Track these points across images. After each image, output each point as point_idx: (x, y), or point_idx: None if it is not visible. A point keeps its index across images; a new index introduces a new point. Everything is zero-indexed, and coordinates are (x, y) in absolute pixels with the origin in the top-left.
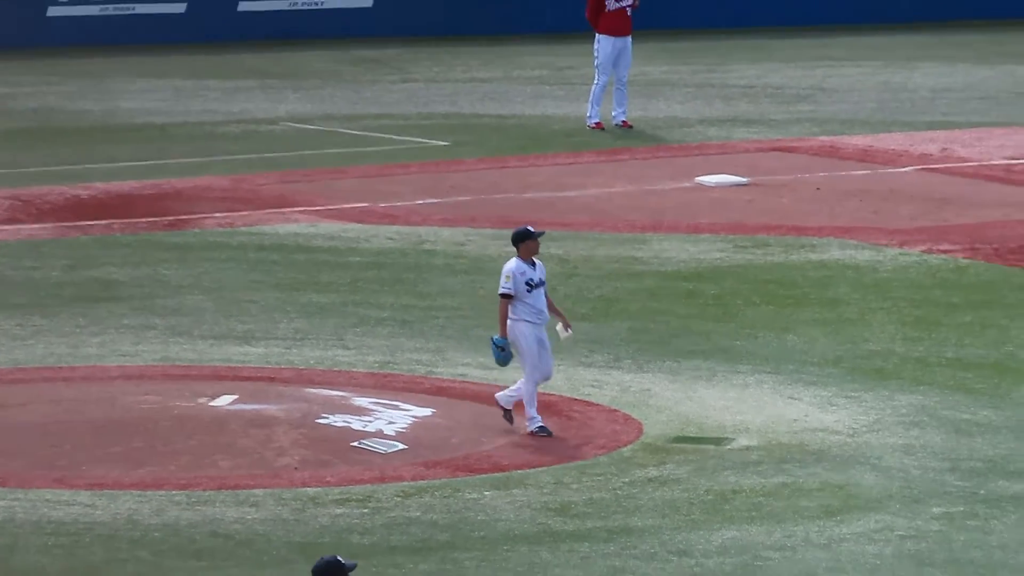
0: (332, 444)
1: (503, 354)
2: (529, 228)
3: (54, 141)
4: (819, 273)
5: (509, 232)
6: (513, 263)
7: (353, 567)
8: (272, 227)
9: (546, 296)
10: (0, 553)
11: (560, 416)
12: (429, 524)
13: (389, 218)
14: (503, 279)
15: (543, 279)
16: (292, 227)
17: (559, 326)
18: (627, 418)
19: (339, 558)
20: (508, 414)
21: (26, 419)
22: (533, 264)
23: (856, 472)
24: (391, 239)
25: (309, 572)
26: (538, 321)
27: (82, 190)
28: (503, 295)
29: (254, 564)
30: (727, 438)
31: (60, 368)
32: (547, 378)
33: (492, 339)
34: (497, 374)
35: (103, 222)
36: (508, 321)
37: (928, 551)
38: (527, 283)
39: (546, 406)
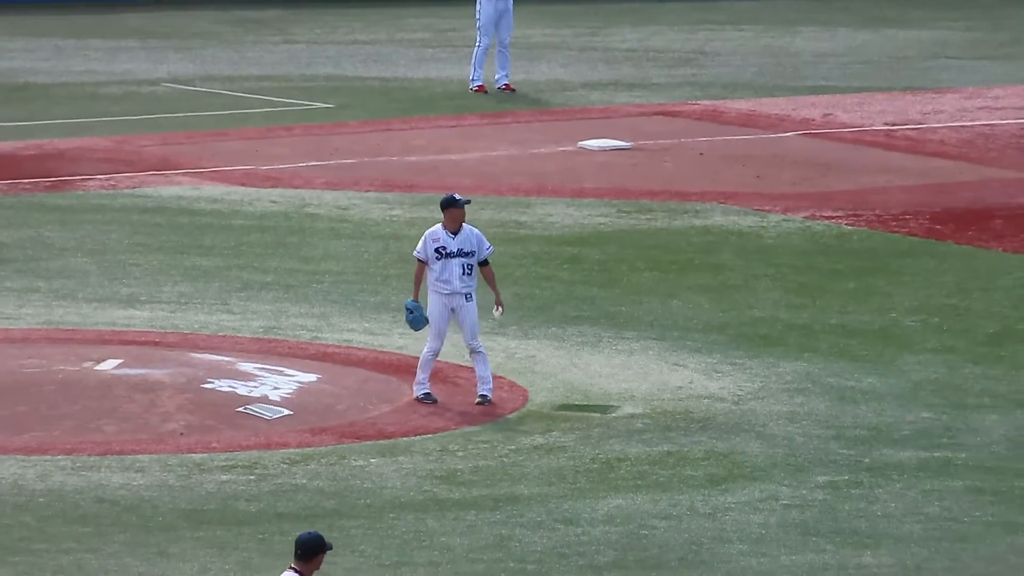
0: (218, 409)
1: (411, 316)
2: (454, 195)
3: None
4: (703, 239)
5: (392, 196)
6: (433, 228)
7: (330, 547)
8: (155, 189)
9: (482, 269)
10: None
11: (446, 383)
12: (315, 491)
13: (272, 181)
14: (419, 242)
15: (464, 250)
16: (175, 189)
17: (495, 306)
18: (512, 385)
19: (322, 536)
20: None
21: None
22: (454, 234)
23: (741, 440)
24: (274, 202)
25: (195, 538)
26: (444, 291)
27: None
28: (416, 258)
29: (140, 530)
30: (612, 406)
31: None
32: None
33: (406, 302)
34: (383, 340)
35: None
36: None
37: (813, 520)
38: (437, 251)
39: (431, 373)
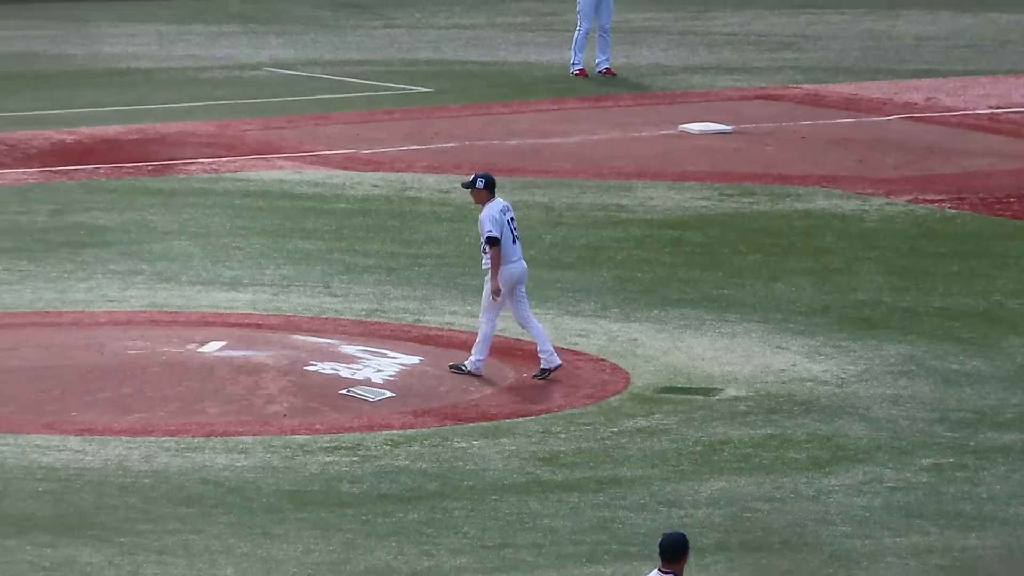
0: (321, 392)
1: None
2: (471, 176)
3: (39, 85)
4: (805, 222)
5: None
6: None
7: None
8: (257, 173)
9: (483, 250)
10: None
11: None
12: (418, 473)
13: (373, 165)
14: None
15: (479, 229)
16: (277, 173)
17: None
18: (615, 368)
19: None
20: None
21: (15, 364)
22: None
23: (844, 423)
24: (376, 186)
25: (299, 519)
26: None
27: (67, 135)
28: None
29: (244, 511)
30: (715, 388)
31: (48, 313)
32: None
33: None
34: None
35: (89, 167)
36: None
37: (917, 503)
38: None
39: (533, 355)
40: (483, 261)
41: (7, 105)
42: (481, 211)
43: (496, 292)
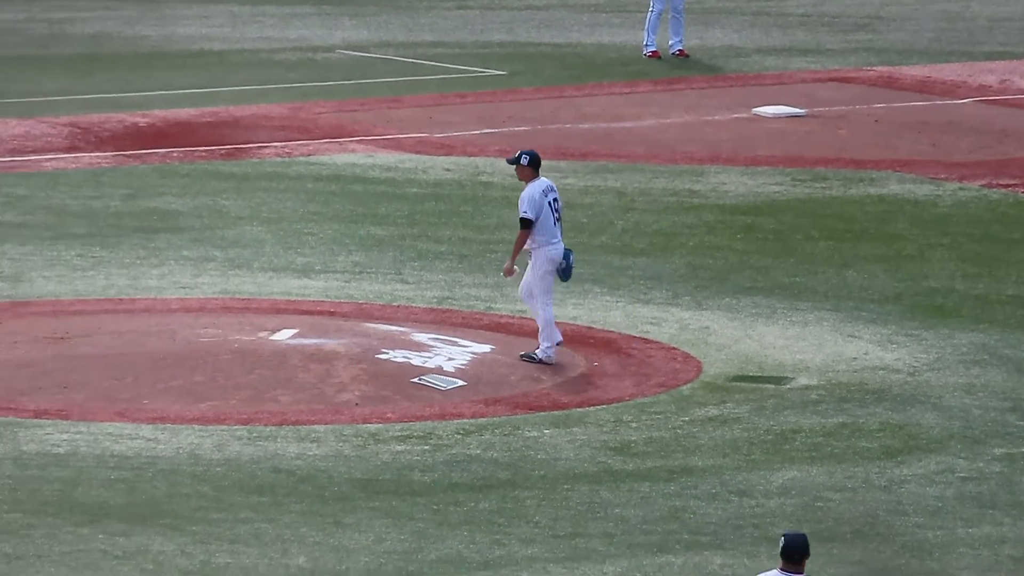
0: (392, 380)
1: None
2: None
3: (112, 67)
4: (878, 208)
5: (566, 164)
6: None
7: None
8: (329, 157)
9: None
10: (63, 487)
11: (619, 354)
12: (490, 462)
13: (446, 149)
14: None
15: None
16: (349, 157)
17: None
18: (686, 356)
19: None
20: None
21: (88, 351)
22: None
23: (917, 412)
24: (448, 170)
25: (371, 508)
26: None
27: (140, 118)
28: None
29: (316, 500)
30: (787, 377)
31: (121, 300)
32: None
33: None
34: (556, 311)
35: (161, 150)
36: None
37: (990, 493)
38: None
39: (605, 343)
40: (529, 242)
41: (81, 87)
42: (526, 187)
43: (509, 272)
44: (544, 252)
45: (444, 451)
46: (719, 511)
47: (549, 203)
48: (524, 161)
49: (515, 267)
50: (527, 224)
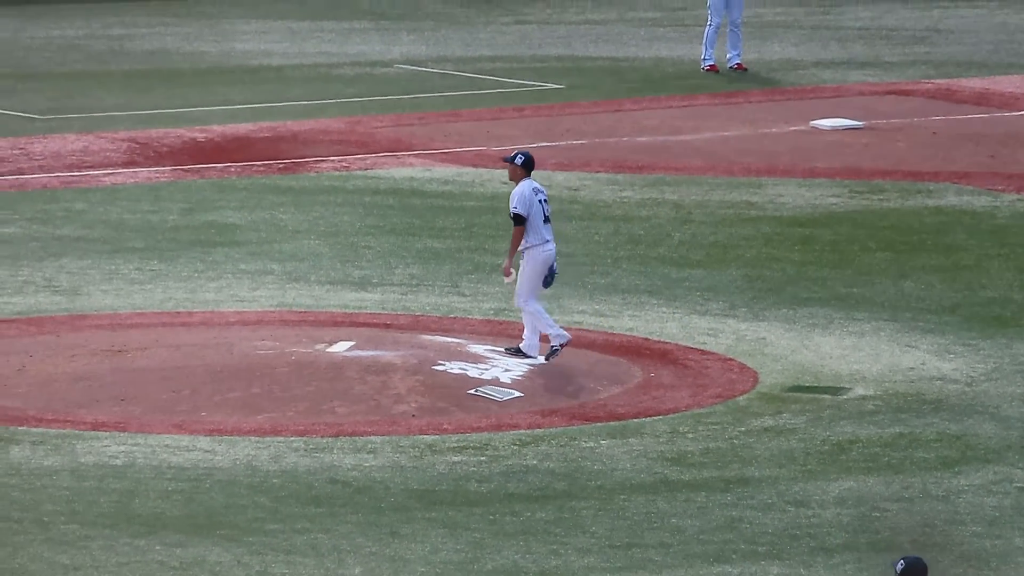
0: (449, 391)
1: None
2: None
3: (171, 83)
4: (935, 219)
5: (623, 177)
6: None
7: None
8: (387, 171)
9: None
10: (121, 498)
11: (676, 365)
12: (546, 472)
13: (503, 162)
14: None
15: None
16: (407, 171)
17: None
18: (743, 367)
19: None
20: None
21: (146, 364)
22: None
23: (974, 422)
24: (505, 184)
25: (427, 518)
26: None
27: (199, 133)
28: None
29: (372, 511)
30: (843, 387)
31: (178, 313)
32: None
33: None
34: (612, 322)
35: (220, 165)
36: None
37: None
38: None
39: (661, 354)
40: (523, 241)
41: (140, 103)
42: (516, 187)
43: (507, 272)
44: (537, 253)
45: (500, 462)
46: (776, 521)
47: (539, 202)
48: (518, 161)
49: (512, 269)
50: (520, 220)
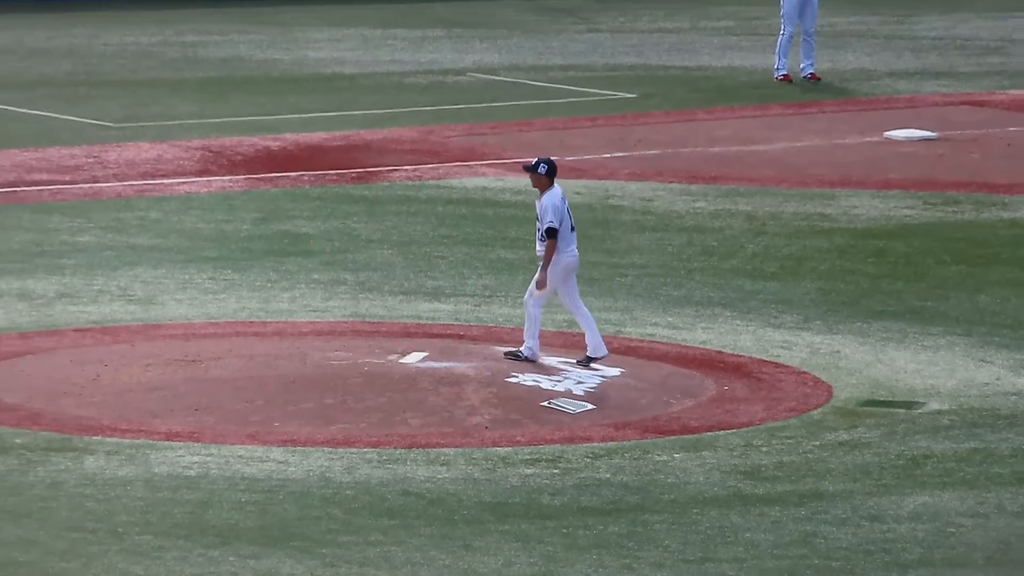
0: (522, 403)
1: None
2: (536, 159)
3: (244, 91)
4: (1011, 231)
5: (696, 188)
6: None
7: None
8: (460, 180)
9: (540, 236)
10: (194, 509)
11: (749, 378)
12: (619, 486)
13: (576, 172)
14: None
15: (538, 215)
16: (480, 180)
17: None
18: (817, 380)
19: None
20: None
21: (219, 374)
22: (540, 199)
23: None
24: (578, 193)
25: (500, 531)
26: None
27: (272, 141)
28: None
29: (445, 523)
30: (918, 402)
31: (252, 323)
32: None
33: None
34: (686, 334)
35: (293, 174)
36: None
37: None
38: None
39: (735, 367)
40: (537, 248)
41: (213, 111)
42: (540, 197)
43: (542, 285)
44: (559, 259)
45: (574, 475)
46: (850, 536)
47: (566, 211)
48: (542, 170)
49: (547, 282)
50: (554, 233)
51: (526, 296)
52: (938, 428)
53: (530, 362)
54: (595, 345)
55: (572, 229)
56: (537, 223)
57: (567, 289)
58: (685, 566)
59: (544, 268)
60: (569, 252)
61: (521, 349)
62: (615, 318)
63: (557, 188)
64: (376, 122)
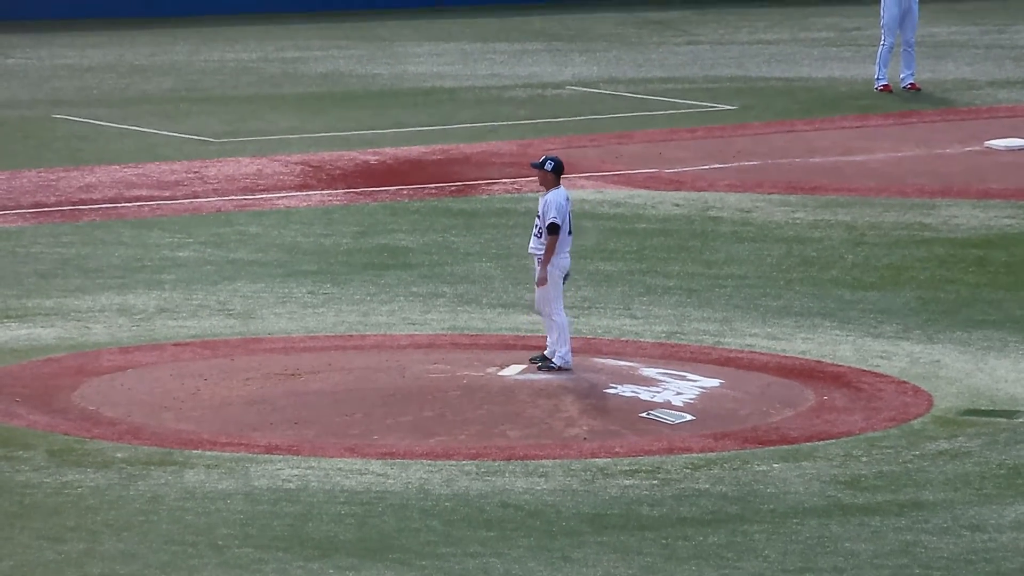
0: (620, 414)
1: None
2: (545, 157)
3: (344, 105)
4: None
5: (795, 198)
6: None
7: None
8: None
9: (540, 232)
10: (294, 521)
11: (849, 388)
12: (718, 496)
13: (675, 184)
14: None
15: (539, 212)
16: (578, 193)
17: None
18: (917, 390)
19: None
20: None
21: (319, 387)
22: (545, 195)
23: None
24: (677, 205)
25: (599, 542)
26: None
27: (371, 155)
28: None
29: (544, 535)
30: (1019, 411)
31: (351, 336)
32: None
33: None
34: (785, 345)
35: (392, 188)
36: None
37: None
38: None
39: (834, 377)
40: (532, 245)
41: (313, 125)
42: (545, 194)
43: (542, 282)
44: (555, 261)
45: (672, 485)
46: (951, 546)
47: (568, 213)
48: (548, 167)
49: (547, 277)
50: (556, 230)
51: (537, 305)
52: None
53: (565, 371)
54: (562, 354)
55: (569, 233)
56: (537, 219)
57: (555, 291)
58: None
59: (544, 265)
60: (563, 255)
61: (553, 359)
62: (714, 329)
63: (562, 188)
64: (475, 136)
